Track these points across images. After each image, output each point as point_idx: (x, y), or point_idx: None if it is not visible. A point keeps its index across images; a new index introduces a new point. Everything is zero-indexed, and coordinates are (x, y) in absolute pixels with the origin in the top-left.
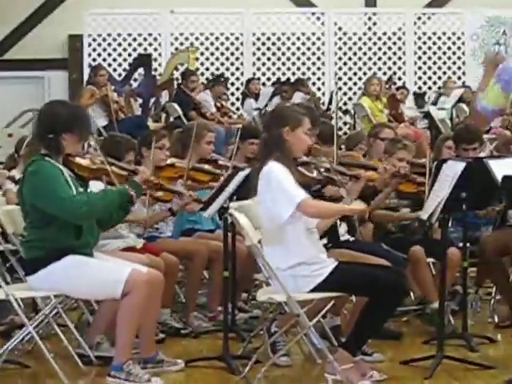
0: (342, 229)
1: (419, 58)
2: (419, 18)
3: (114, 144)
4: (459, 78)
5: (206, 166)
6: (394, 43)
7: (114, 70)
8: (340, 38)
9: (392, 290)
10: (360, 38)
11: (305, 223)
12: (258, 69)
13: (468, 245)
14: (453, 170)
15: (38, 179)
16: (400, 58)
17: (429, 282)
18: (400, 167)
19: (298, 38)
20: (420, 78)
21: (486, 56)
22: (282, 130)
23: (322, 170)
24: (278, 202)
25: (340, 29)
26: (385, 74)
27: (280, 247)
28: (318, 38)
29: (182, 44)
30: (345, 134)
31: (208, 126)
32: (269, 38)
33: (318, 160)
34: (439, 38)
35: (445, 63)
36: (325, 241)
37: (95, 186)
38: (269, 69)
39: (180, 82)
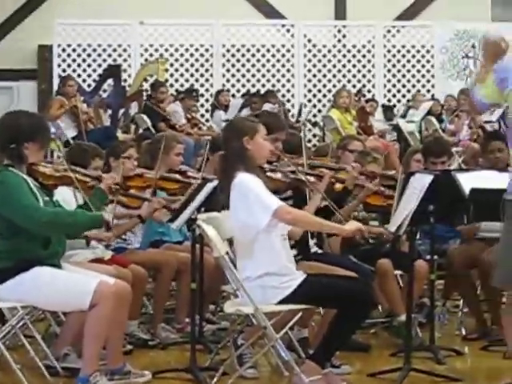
0: (311, 240)
1: (389, 70)
2: (389, 31)
3: (80, 152)
4: (428, 91)
5: (175, 175)
6: (364, 56)
7: (84, 80)
8: (309, 50)
9: (360, 301)
10: (330, 51)
11: (279, 230)
12: (228, 80)
13: (435, 257)
14: (420, 182)
15: (3, 189)
16: (369, 71)
17: (396, 294)
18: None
19: (268, 50)
20: (389, 91)
21: (486, 42)
22: (242, 141)
23: (288, 173)
24: (254, 211)
25: (310, 41)
26: (354, 86)
27: (251, 257)
28: (288, 50)
29: (151, 55)
30: (314, 146)
31: (177, 138)
32: (238, 50)
33: (282, 164)
34: (408, 51)
35: (414, 76)
36: (294, 252)
37: (62, 193)
38: (238, 80)
39: (149, 93)
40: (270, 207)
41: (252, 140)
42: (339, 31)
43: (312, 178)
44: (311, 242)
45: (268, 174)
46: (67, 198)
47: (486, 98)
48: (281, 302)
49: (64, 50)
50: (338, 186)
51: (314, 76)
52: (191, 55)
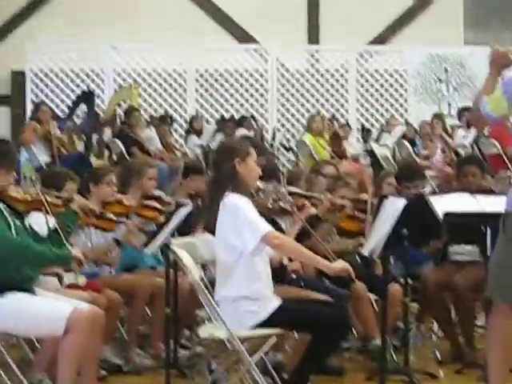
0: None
1: (362, 95)
2: (361, 56)
3: (53, 175)
4: (401, 115)
5: (153, 203)
6: (337, 80)
7: (57, 106)
8: (283, 75)
9: (335, 326)
10: (303, 75)
11: (264, 255)
12: (202, 105)
13: (409, 280)
14: (394, 206)
15: None
16: (343, 95)
17: (371, 318)
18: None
19: (241, 75)
20: (362, 115)
21: (495, 52)
22: (234, 163)
23: (271, 200)
24: (243, 233)
25: (283, 65)
26: (327, 110)
27: (231, 278)
28: (261, 75)
29: (124, 80)
30: (288, 170)
31: (148, 162)
32: (212, 75)
33: (268, 190)
34: (381, 75)
35: (387, 100)
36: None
37: (34, 217)
38: (212, 105)
39: (123, 118)
40: (260, 231)
41: (243, 162)
42: (312, 56)
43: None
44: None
45: (255, 198)
46: (39, 222)
47: (493, 111)
48: (256, 327)
49: (37, 75)
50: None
51: (288, 100)
52: (164, 80)
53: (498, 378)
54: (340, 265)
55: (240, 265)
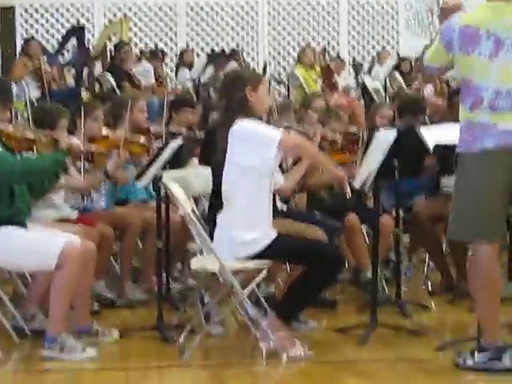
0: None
1: (353, 27)
2: None
3: (45, 113)
4: (393, 48)
5: (140, 138)
6: (328, 13)
7: (47, 40)
8: (274, 8)
9: (330, 263)
10: (294, 8)
11: (271, 180)
12: (192, 39)
13: (401, 212)
14: (385, 138)
15: None
16: (334, 28)
17: (363, 250)
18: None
19: (232, 8)
20: (354, 48)
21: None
22: (245, 91)
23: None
24: (260, 150)
25: None
26: (318, 43)
27: (236, 200)
28: (252, 8)
29: (115, 15)
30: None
31: (137, 95)
32: (202, 8)
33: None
34: (372, 8)
35: (378, 33)
36: None
37: None
38: (203, 39)
39: (113, 52)
40: (275, 139)
41: (254, 92)
42: None
43: None
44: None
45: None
46: None
47: (431, 61)
48: (249, 258)
49: (26, 11)
50: None
51: (279, 33)
52: (155, 14)
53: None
54: (342, 173)
55: (249, 187)
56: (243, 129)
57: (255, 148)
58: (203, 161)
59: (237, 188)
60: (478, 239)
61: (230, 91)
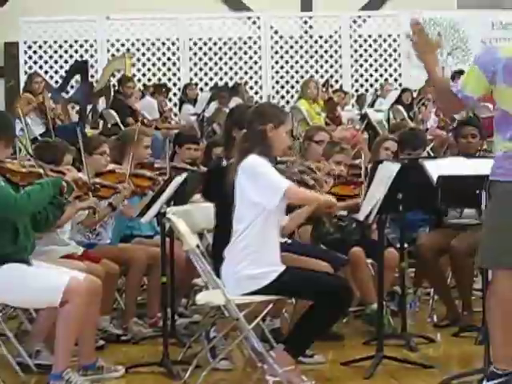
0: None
1: (356, 60)
2: (355, 21)
3: (49, 149)
4: (396, 80)
5: (148, 173)
6: (331, 46)
7: (51, 77)
8: (276, 42)
9: (340, 297)
10: (296, 42)
11: (278, 216)
12: (196, 74)
13: (405, 245)
14: (388, 170)
15: None
16: (336, 61)
17: (368, 283)
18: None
19: (235, 43)
20: (357, 81)
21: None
22: (266, 127)
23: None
24: (264, 191)
25: (276, 32)
26: (322, 77)
27: (244, 236)
28: (255, 42)
29: (118, 50)
30: None
31: (144, 131)
32: (205, 43)
33: (292, 163)
34: (375, 41)
35: (381, 65)
36: None
37: None
38: (206, 74)
39: (117, 88)
40: (281, 187)
41: (275, 130)
42: (305, 22)
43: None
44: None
45: (277, 166)
46: None
47: (474, 91)
48: (255, 293)
49: (30, 47)
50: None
51: (282, 67)
52: (158, 49)
53: (499, 342)
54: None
55: (256, 224)
56: (253, 167)
57: (261, 190)
58: (206, 196)
59: (246, 222)
60: (503, 266)
61: (253, 123)
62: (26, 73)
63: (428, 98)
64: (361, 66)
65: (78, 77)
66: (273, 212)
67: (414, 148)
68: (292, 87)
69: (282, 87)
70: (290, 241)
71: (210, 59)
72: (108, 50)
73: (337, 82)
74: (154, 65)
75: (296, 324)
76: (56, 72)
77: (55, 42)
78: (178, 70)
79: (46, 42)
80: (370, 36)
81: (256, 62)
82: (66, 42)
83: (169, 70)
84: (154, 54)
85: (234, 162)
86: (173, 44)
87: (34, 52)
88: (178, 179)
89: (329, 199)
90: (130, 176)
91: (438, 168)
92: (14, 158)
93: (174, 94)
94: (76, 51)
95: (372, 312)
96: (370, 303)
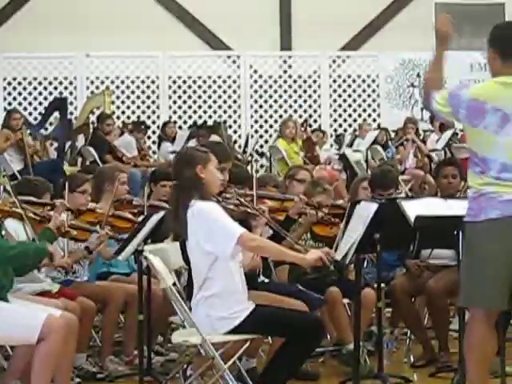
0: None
1: (334, 100)
2: (334, 61)
3: (30, 187)
4: (374, 120)
5: (126, 214)
6: (310, 86)
7: (30, 113)
8: (256, 81)
9: (310, 332)
10: (275, 81)
11: (237, 258)
12: (175, 112)
13: (382, 285)
14: (366, 210)
15: None
16: (315, 101)
17: (344, 323)
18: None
19: (214, 81)
20: (335, 121)
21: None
22: (196, 170)
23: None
24: (217, 239)
25: (256, 71)
26: (300, 116)
27: (205, 283)
28: (234, 81)
29: (97, 87)
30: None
31: (119, 167)
32: (185, 81)
33: (230, 196)
34: (354, 81)
35: (360, 106)
36: None
37: (12, 225)
38: (185, 112)
39: (96, 125)
40: (234, 234)
41: (205, 169)
42: (285, 62)
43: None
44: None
45: (221, 203)
46: (17, 230)
47: (440, 111)
48: (229, 332)
49: (10, 84)
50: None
51: (261, 106)
52: (137, 87)
53: (476, 380)
54: (314, 255)
55: (215, 270)
56: (204, 213)
57: (213, 238)
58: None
59: (204, 270)
60: (475, 306)
61: (182, 170)
62: (5, 109)
63: (407, 139)
64: (339, 106)
65: (57, 114)
66: (227, 260)
67: (385, 188)
68: (271, 126)
69: (261, 126)
70: (267, 280)
71: (189, 97)
72: (87, 87)
73: (315, 121)
74: (133, 102)
75: (269, 361)
76: (35, 109)
77: (35, 78)
78: (158, 107)
79: (25, 79)
80: (349, 76)
81: (235, 101)
82: (45, 78)
83: (148, 107)
84: (133, 92)
85: (174, 213)
86: (152, 82)
87: (14, 88)
88: (155, 218)
89: (288, 253)
90: (110, 216)
91: (415, 208)
92: None
93: (153, 132)
94: (55, 88)
95: (348, 352)
96: (346, 343)
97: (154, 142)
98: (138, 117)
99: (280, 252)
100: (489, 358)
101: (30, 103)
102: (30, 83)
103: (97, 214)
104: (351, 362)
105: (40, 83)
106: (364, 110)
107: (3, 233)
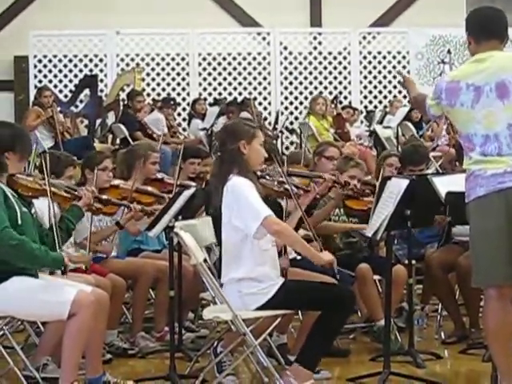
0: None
1: (365, 77)
2: (364, 38)
3: (53, 160)
4: (404, 97)
5: (150, 188)
6: (340, 62)
7: (60, 91)
8: (286, 58)
9: (341, 301)
10: (305, 58)
11: (269, 237)
12: (205, 89)
13: (413, 262)
14: (397, 187)
15: None
16: (345, 78)
17: (375, 299)
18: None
19: (244, 58)
20: (366, 97)
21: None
22: (239, 145)
23: (279, 183)
24: (245, 216)
25: (285, 48)
26: (331, 93)
27: (236, 259)
28: (264, 58)
29: (127, 65)
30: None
31: (152, 147)
32: (215, 59)
33: (274, 174)
34: (384, 58)
35: (390, 82)
36: None
37: (38, 203)
38: (215, 89)
39: (126, 102)
40: (260, 215)
41: (249, 145)
42: (315, 38)
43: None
44: (289, 249)
45: (261, 180)
46: (42, 208)
47: (436, 112)
48: (259, 308)
49: (40, 61)
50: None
51: (291, 83)
52: (167, 64)
53: (502, 361)
54: (326, 257)
55: (245, 246)
56: (237, 190)
57: (241, 214)
58: (207, 213)
59: (234, 246)
60: (485, 285)
61: (225, 143)
62: (35, 87)
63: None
64: (370, 82)
65: (87, 91)
66: (260, 236)
67: (416, 164)
68: (301, 103)
69: (291, 103)
70: (299, 257)
71: (219, 74)
72: (118, 65)
73: (346, 98)
74: (163, 80)
75: (307, 336)
76: (65, 86)
77: (65, 56)
78: (188, 85)
79: (55, 56)
80: (379, 53)
81: (265, 78)
82: (75, 56)
83: (178, 85)
84: (163, 69)
85: (214, 185)
86: (182, 59)
87: (44, 66)
88: (187, 193)
89: (319, 256)
90: (133, 192)
91: (446, 184)
92: (29, 174)
93: (184, 109)
94: (86, 65)
95: (379, 329)
96: (377, 320)
97: (184, 120)
98: (168, 94)
99: (298, 243)
100: (508, 331)
101: (61, 81)
102: (60, 61)
103: (120, 189)
104: (382, 339)
105: (70, 61)
106: (394, 87)
107: (32, 211)
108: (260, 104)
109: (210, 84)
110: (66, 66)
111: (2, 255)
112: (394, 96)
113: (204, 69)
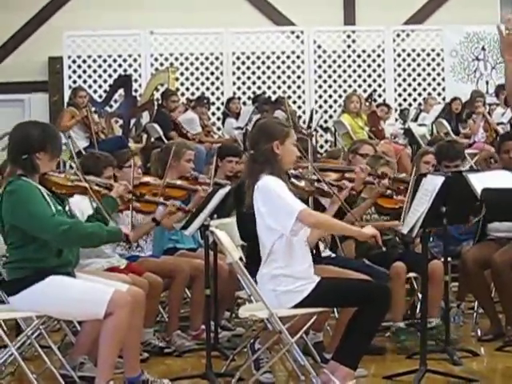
0: (322, 244)
1: (399, 74)
2: (398, 35)
3: (93, 160)
4: (439, 95)
5: (179, 182)
6: (374, 60)
7: (95, 91)
8: (319, 56)
9: (377, 298)
10: (339, 56)
11: (302, 235)
12: (238, 88)
13: (449, 259)
14: (432, 184)
15: (16, 198)
16: (380, 76)
17: (400, 300)
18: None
19: (278, 57)
20: (400, 95)
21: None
22: (272, 145)
23: (312, 182)
24: (279, 216)
25: (319, 47)
26: (365, 91)
27: (271, 257)
28: (298, 57)
29: (161, 64)
30: (326, 151)
31: (187, 144)
32: (248, 57)
33: (306, 172)
34: (418, 55)
35: (424, 80)
36: None
37: (78, 201)
38: (249, 88)
39: (160, 102)
40: (294, 210)
41: (282, 145)
42: (349, 36)
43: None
44: (322, 246)
45: (292, 180)
46: (82, 205)
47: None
48: (295, 306)
49: (74, 62)
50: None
51: (325, 82)
52: (201, 64)
53: None
54: (370, 231)
55: (280, 246)
56: (268, 189)
57: (275, 213)
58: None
59: (268, 245)
60: None
61: (258, 142)
62: (70, 87)
63: (478, 112)
64: (404, 80)
65: (121, 91)
66: (290, 235)
67: (451, 159)
68: (335, 101)
69: (325, 101)
70: (333, 255)
71: (253, 73)
72: (151, 65)
73: (380, 96)
74: (197, 79)
75: (344, 334)
76: (100, 86)
77: (99, 56)
78: (222, 84)
79: (89, 57)
80: (413, 50)
81: (299, 77)
82: (109, 56)
83: (212, 84)
84: (197, 69)
85: (247, 184)
86: (216, 58)
87: (78, 66)
88: (222, 192)
89: (363, 232)
90: (164, 187)
91: (482, 181)
92: (62, 171)
93: (218, 108)
94: (120, 65)
95: (397, 330)
96: (395, 321)
97: (218, 119)
98: (202, 93)
99: (338, 226)
100: None
101: (95, 81)
102: (94, 61)
103: (151, 186)
104: (398, 340)
105: (105, 61)
106: (429, 84)
107: (67, 208)
108: (294, 103)
109: (243, 83)
110: (100, 66)
111: (60, 244)
112: (429, 94)
113: (238, 68)
